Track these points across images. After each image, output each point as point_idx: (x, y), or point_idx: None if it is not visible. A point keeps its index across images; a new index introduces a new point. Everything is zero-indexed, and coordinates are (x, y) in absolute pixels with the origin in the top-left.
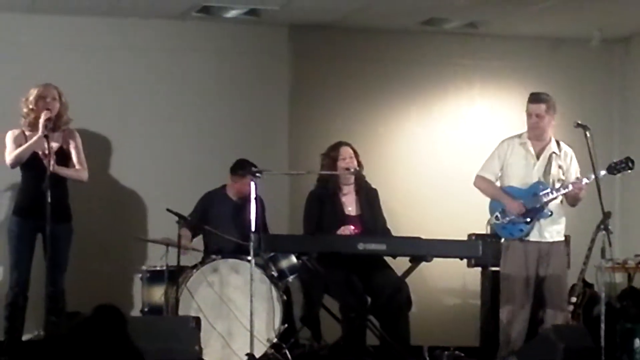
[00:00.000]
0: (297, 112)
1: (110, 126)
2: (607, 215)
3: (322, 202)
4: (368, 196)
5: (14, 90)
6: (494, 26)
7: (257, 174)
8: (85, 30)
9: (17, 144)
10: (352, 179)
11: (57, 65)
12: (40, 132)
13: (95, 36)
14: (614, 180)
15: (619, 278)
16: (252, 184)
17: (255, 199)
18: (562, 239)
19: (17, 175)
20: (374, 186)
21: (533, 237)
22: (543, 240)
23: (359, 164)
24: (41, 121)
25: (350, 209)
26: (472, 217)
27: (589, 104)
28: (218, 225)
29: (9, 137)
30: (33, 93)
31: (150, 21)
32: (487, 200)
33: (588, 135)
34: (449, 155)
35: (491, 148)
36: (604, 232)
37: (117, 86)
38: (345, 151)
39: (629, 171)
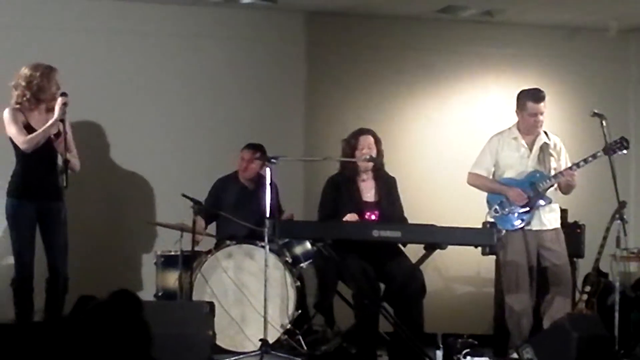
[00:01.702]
0: (313, 99)
1: (123, 113)
2: (622, 205)
3: (340, 188)
4: (386, 184)
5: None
6: (509, 14)
7: (272, 160)
8: (98, 14)
9: (21, 124)
10: (370, 166)
11: (69, 50)
12: (56, 116)
13: (109, 20)
14: (630, 169)
15: (634, 267)
16: (267, 170)
17: (268, 184)
18: (559, 225)
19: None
20: (391, 174)
21: (534, 226)
22: (543, 228)
23: (379, 152)
24: (59, 104)
25: (368, 195)
26: None
27: (605, 94)
28: (230, 211)
29: (9, 117)
30: (37, 75)
31: (165, 7)
32: None
33: (604, 124)
34: (464, 143)
35: None
36: (619, 221)
37: (131, 72)
38: (365, 140)
39: (625, 151)
